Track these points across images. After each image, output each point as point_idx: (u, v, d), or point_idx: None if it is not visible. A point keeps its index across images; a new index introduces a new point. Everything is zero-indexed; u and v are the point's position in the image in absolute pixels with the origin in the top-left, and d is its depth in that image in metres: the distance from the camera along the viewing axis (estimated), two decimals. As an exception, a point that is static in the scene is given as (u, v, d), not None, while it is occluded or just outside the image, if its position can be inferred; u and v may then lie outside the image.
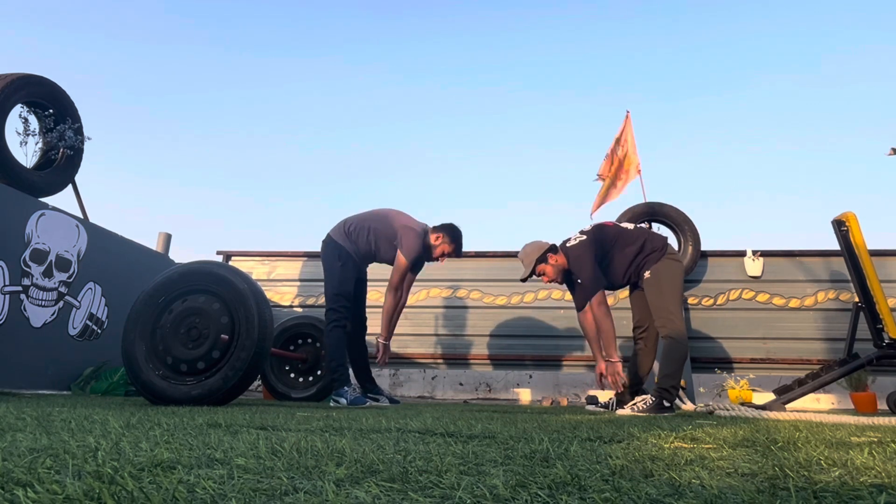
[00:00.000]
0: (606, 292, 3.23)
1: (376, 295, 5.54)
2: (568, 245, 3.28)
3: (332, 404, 3.23)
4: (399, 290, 3.53)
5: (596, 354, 3.18)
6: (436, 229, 3.53)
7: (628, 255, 3.14)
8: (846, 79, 12.80)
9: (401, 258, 3.43)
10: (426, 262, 3.68)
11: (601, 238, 3.19)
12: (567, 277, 3.35)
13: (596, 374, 3.16)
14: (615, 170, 5.54)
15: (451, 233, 3.51)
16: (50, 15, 12.65)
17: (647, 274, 3.10)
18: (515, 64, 14.60)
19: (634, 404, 2.94)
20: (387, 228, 3.51)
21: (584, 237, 3.20)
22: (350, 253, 3.50)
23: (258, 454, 0.86)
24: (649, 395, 2.96)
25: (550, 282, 3.38)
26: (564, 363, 5.19)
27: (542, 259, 3.27)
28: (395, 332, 5.37)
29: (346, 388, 3.25)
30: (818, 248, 5.19)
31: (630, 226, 3.32)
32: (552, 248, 3.31)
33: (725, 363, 4.98)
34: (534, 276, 3.36)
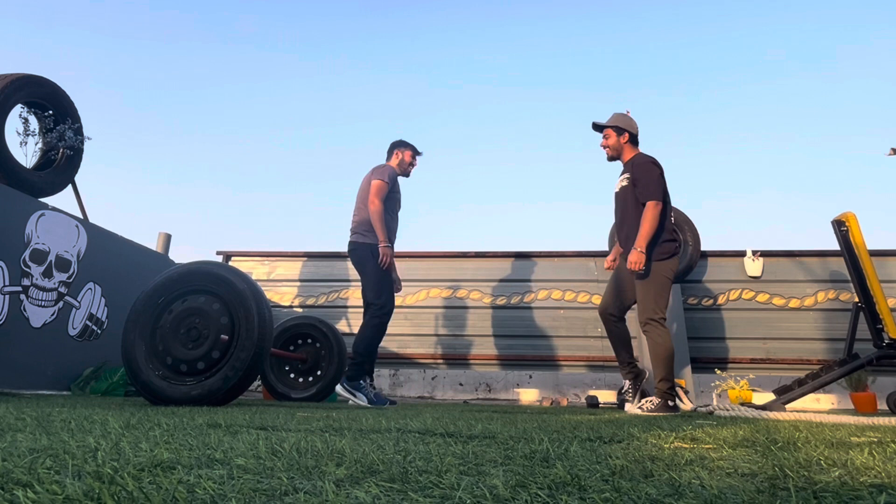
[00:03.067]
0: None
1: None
2: (643, 153, 3.37)
3: (341, 391, 3.29)
4: (378, 202, 3.58)
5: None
6: (394, 148, 3.88)
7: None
8: (847, 78, 12.80)
9: (375, 182, 3.60)
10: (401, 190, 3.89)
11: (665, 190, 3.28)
12: (618, 162, 3.46)
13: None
14: None
15: (403, 143, 3.87)
16: (50, 15, 12.66)
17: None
18: (514, 61, 14.61)
19: (641, 405, 3.03)
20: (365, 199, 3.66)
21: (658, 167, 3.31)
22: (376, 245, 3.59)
23: (258, 454, 0.86)
24: (654, 397, 3.04)
25: (603, 147, 3.43)
26: (564, 363, 5.19)
27: (619, 131, 3.36)
28: (396, 332, 5.41)
29: (363, 382, 3.31)
30: (818, 248, 5.19)
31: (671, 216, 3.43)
32: (633, 137, 3.39)
33: (725, 363, 4.99)
34: (598, 132, 3.46)
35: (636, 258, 3.09)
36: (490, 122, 14.94)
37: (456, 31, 14.50)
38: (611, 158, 3.44)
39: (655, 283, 3.12)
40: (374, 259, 3.52)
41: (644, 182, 3.21)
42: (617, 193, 3.42)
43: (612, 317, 3.36)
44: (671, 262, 3.18)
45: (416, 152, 3.90)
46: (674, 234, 3.28)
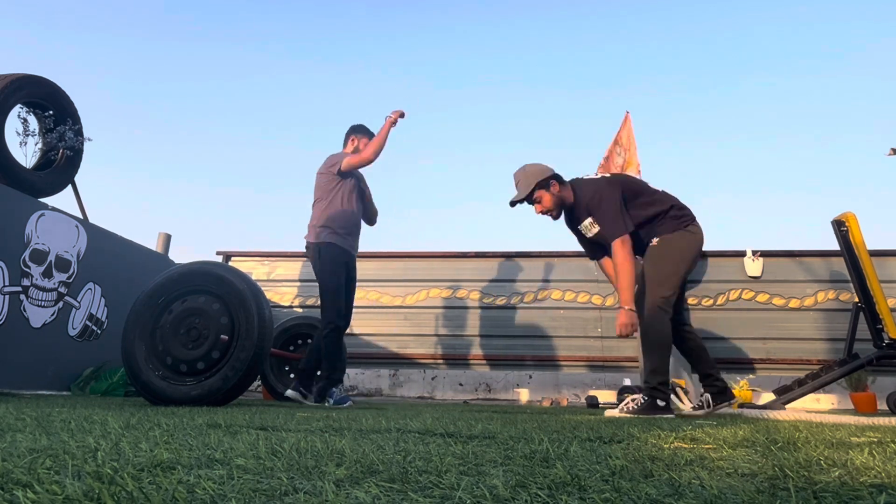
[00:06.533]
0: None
1: (375, 295, 5.55)
2: (584, 179, 2.84)
3: (292, 397, 3.44)
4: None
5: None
6: (351, 133, 3.72)
7: (648, 216, 2.73)
8: (847, 78, 12.80)
9: (347, 160, 3.49)
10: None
11: (625, 184, 2.79)
12: (568, 216, 2.90)
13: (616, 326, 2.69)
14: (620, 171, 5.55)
15: (361, 129, 3.70)
16: (49, 14, 12.65)
17: (655, 241, 2.71)
18: (511, 61, 14.60)
19: (626, 405, 2.63)
20: (323, 186, 3.54)
21: (608, 175, 2.85)
22: (332, 243, 3.42)
23: (258, 454, 0.86)
24: (640, 396, 2.63)
25: (543, 213, 2.85)
26: (564, 363, 5.19)
27: (544, 184, 2.79)
28: (396, 332, 5.40)
29: (335, 389, 3.38)
30: (818, 248, 5.19)
31: (658, 188, 2.88)
32: (557, 176, 2.84)
33: (725, 363, 4.98)
34: (525, 203, 2.87)
35: (626, 319, 2.61)
36: (490, 121, 14.95)
37: (456, 30, 14.50)
38: (558, 216, 2.90)
39: (665, 256, 2.66)
40: (319, 261, 3.38)
41: (602, 218, 2.71)
42: (590, 239, 2.88)
43: (681, 325, 2.82)
44: (682, 236, 2.68)
45: (371, 136, 3.66)
46: (682, 208, 2.78)
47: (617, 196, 2.70)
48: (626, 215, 2.70)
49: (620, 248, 2.62)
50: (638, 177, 5.41)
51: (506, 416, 2.26)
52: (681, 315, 2.79)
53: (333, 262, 3.39)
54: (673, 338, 2.73)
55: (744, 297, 5.18)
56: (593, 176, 2.88)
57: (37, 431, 1.14)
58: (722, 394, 2.78)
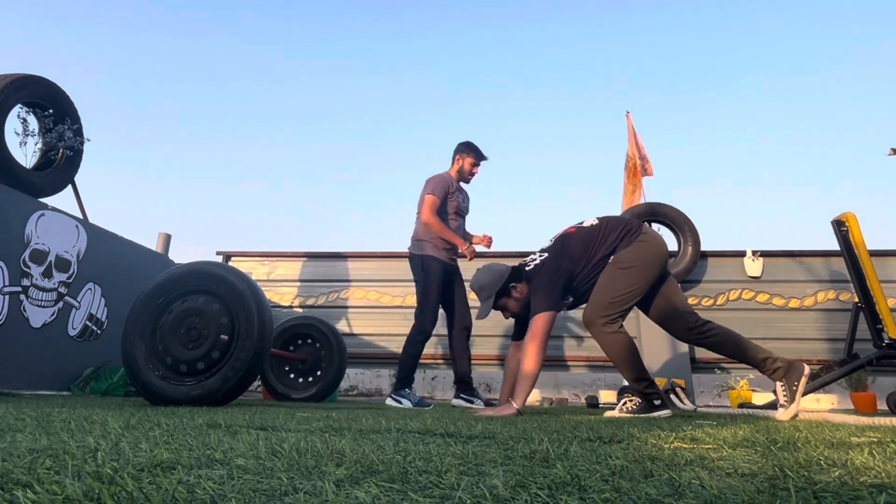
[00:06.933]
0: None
1: (375, 295, 5.54)
2: (528, 269, 2.71)
3: (391, 403, 3.41)
4: (432, 218, 3.63)
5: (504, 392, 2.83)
6: (456, 153, 3.85)
7: (608, 252, 2.60)
8: (847, 78, 12.81)
9: (427, 198, 3.64)
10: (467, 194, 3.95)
11: (568, 252, 2.64)
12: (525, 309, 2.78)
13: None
14: (631, 174, 5.60)
15: (466, 148, 3.82)
16: (49, 14, 12.66)
17: (610, 259, 2.58)
18: (515, 61, 14.61)
19: (624, 405, 2.65)
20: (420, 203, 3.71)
21: (547, 254, 2.69)
22: (432, 256, 3.65)
23: (258, 455, 0.86)
24: (636, 397, 2.63)
25: (513, 316, 2.84)
26: (564, 363, 5.18)
27: (505, 292, 2.73)
28: (396, 332, 5.40)
29: (407, 390, 3.46)
30: (818, 248, 5.19)
31: (593, 221, 2.73)
32: (515, 275, 2.74)
33: (725, 363, 4.98)
34: (501, 313, 2.85)
35: (507, 412, 2.38)
36: (490, 121, 14.95)
37: (461, 32, 14.51)
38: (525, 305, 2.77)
39: (617, 277, 2.52)
40: (423, 272, 3.61)
41: (534, 289, 2.61)
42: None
43: (692, 331, 2.57)
44: (635, 248, 2.53)
45: (478, 158, 3.82)
46: (627, 223, 2.65)
47: (559, 268, 2.59)
48: (558, 292, 2.58)
49: (540, 326, 2.47)
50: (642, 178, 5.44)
51: (506, 416, 2.26)
52: (691, 316, 2.59)
53: (433, 274, 3.64)
54: (695, 340, 2.60)
55: (744, 297, 5.18)
56: (534, 262, 2.73)
57: (37, 431, 1.14)
58: (793, 370, 2.55)
